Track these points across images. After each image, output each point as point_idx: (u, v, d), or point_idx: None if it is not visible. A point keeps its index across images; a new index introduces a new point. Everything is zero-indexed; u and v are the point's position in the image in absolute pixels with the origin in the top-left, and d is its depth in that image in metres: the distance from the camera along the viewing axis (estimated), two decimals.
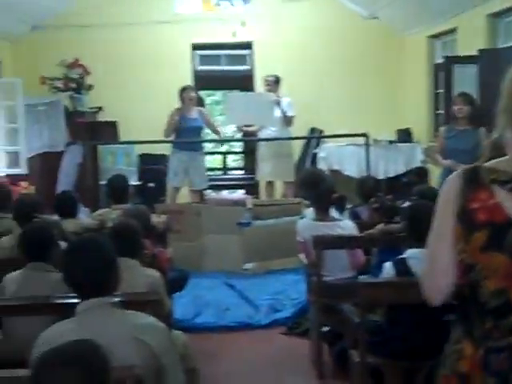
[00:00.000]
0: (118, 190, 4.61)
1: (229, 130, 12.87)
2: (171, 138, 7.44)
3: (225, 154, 12.02)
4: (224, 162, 11.53)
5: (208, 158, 10.52)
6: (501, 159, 1.57)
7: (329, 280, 4.06)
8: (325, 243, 4.06)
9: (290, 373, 4.22)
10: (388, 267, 3.25)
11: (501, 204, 1.51)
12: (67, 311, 2.44)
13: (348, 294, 3.62)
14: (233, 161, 12.41)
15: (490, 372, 1.51)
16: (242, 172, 11.10)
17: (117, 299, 2.30)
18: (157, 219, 4.51)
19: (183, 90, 7.43)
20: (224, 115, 12.81)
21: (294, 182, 7.69)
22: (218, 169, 11.70)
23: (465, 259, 1.54)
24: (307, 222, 4.38)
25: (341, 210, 4.60)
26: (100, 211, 4.66)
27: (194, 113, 7.43)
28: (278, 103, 7.54)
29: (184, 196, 7.85)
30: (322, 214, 4.32)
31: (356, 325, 3.24)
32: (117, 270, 2.34)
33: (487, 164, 1.58)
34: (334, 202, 4.40)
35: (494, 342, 1.52)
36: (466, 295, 1.57)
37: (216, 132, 7.71)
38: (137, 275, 3.09)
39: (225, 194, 10.14)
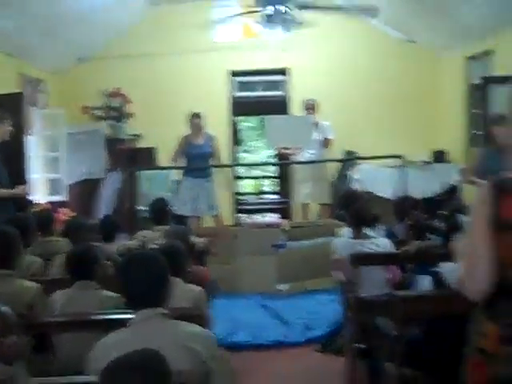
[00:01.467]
0: (159, 212, 4.78)
1: (263, 155, 13.05)
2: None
3: (257, 178, 12.19)
4: (257, 186, 11.68)
5: (241, 182, 10.68)
6: None
7: (365, 296, 4.10)
8: (361, 260, 4.12)
9: None
10: (424, 281, 3.31)
11: None
12: (114, 327, 2.58)
13: (384, 310, 3.68)
14: (266, 185, 12.57)
15: (507, 342, 1.77)
16: (275, 196, 11.24)
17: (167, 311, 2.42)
18: (196, 240, 4.63)
19: (191, 116, 7.60)
20: (259, 140, 13.06)
21: (330, 204, 7.79)
22: (251, 193, 11.86)
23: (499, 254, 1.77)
24: (344, 240, 4.46)
25: (374, 228, 4.65)
26: (142, 232, 4.81)
27: (201, 139, 7.55)
28: (316, 125, 7.66)
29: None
30: (359, 232, 4.40)
31: (393, 338, 3.28)
32: (169, 284, 2.48)
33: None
34: (370, 221, 4.47)
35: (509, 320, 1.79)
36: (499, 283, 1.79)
37: (218, 165, 7.73)
38: (181, 291, 3.20)
39: (257, 217, 10.25)
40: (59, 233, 4.64)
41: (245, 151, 12.64)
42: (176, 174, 8.28)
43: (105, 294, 3.25)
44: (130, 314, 2.65)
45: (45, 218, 4.65)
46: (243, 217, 8.61)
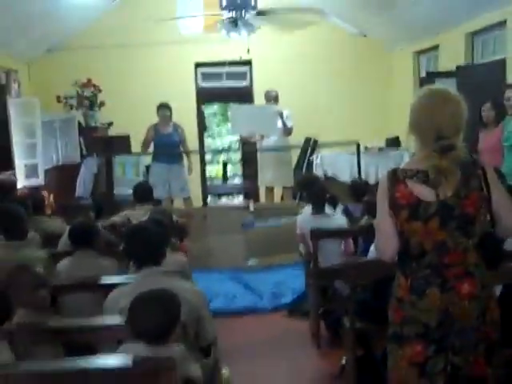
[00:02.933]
0: (142, 192, 5.33)
1: (226, 140, 13.56)
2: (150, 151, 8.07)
3: (224, 163, 12.76)
4: (224, 171, 12.25)
5: (208, 167, 11.21)
6: (410, 160, 2.39)
7: (324, 265, 4.74)
8: (320, 234, 4.75)
9: (292, 346, 4.91)
10: (372, 250, 3.94)
11: (411, 191, 2.33)
12: (111, 288, 3.16)
13: (339, 275, 4.32)
14: (231, 170, 13.14)
15: (413, 292, 2.37)
16: (240, 180, 11.84)
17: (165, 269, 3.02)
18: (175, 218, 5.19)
19: (158, 107, 8.02)
20: (222, 125, 13.55)
21: (292, 187, 8.41)
22: (218, 178, 12.44)
23: (397, 228, 2.38)
24: (305, 217, 5.09)
25: (333, 207, 5.28)
26: (125, 211, 5.35)
27: (169, 128, 8.03)
28: (280, 114, 8.23)
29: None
30: (318, 210, 5.03)
31: (346, 297, 3.92)
32: (165, 247, 3.05)
33: (402, 166, 2.45)
34: (327, 200, 5.10)
35: (416, 274, 2.37)
36: (401, 250, 2.40)
37: (187, 153, 8.19)
38: (170, 259, 3.75)
39: (224, 201, 10.85)
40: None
41: (209, 136, 13.16)
42: (147, 160, 8.77)
43: (101, 262, 3.80)
44: (123, 279, 3.26)
45: (38, 200, 5.15)
46: (211, 200, 9.16)
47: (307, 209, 5.23)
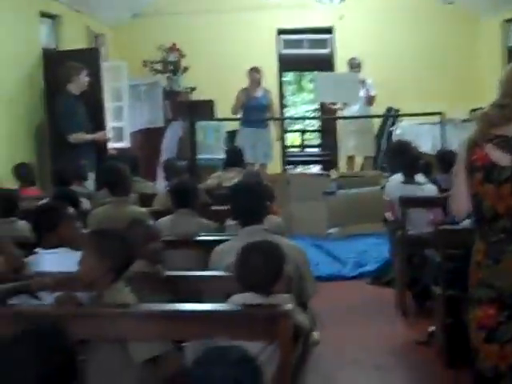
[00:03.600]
0: (234, 155, 5.47)
1: (301, 109, 13.50)
2: (239, 115, 8.20)
3: (303, 131, 12.76)
4: (302, 139, 12.24)
5: (288, 135, 11.23)
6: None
7: (412, 232, 4.75)
8: (409, 202, 4.75)
9: (377, 313, 4.96)
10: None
11: (488, 154, 2.40)
12: (209, 246, 3.28)
13: (429, 245, 4.33)
14: (308, 139, 13.15)
15: (490, 257, 2.42)
16: (317, 149, 11.81)
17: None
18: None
19: (250, 70, 8.16)
20: (297, 95, 13.47)
21: (373, 156, 8.38)
22: (296, 146, 12.44)
23: (471, 190, 2.45)
24: (395, 184, 5.08)
25: (427, 175, 5.22)
26: (216, 173, 5.49)
27: (260, 92, 8.13)
28: (363, 83, 8.18)
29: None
30: (409, 178, 5.01)
31: (437, 263, 3.92)
32: (266, 206, 3.15)
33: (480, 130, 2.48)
34: (420, 168, 5.07)
35: (490, 238, 2.43)
36: (477, 214, 2.48)
37: (274, 118, 8.32)
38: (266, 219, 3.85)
39: (300, 170, 10.86)
40: None
41: (284, 106, 13.20)
42: (230, 126, 8.90)
43: (200, 221, 3.93)
44: (219, 236, 3.38)
45: (133, 161, 5.33)
46: (290, 168, 9.21)
47: (397, 176, 5.21)
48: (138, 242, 2.95)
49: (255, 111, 8.08)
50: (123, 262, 2.54)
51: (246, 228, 3.11)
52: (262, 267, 2.52)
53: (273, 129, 8.34)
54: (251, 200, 3.14)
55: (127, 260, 2.56)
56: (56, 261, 2.60)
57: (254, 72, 8.12)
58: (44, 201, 4.08)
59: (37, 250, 3.19)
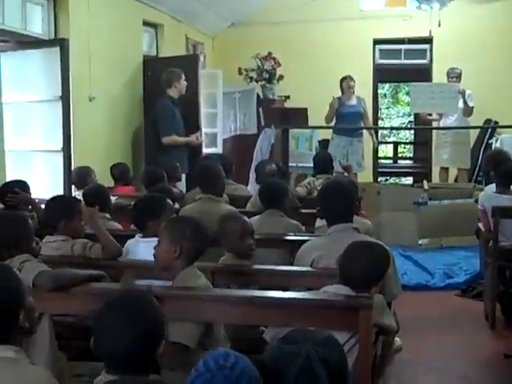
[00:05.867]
0: (323, 162, 5.52)
1: (396, 122, 13.33)
2: (332, 124, 8.23)
3: (396, 144, 12.61)
4: (395, 151, 12.10)
5: (381, 147, 11.14)
6: None
7: (505, 244, 4.61)
8: (503, 212, 4.62)
9: (464, 324, 4.85)
10: None
11: None
12: (294, 245, 3.33)
13: None
14: (402, 152, 12.99)
15: None
16: (410, 161, 11.63)
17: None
18: None
19: (343, 79, 8.20)
20: (392, 107, 13.32)
21: (468, 169, 8.18)
22: (389, 158, 12.31)
23: None
24: (488, 193, 4.96)
25: None
26: (307, 180, 5.54)
27: (353, 100, 8.14)
28: (462, 93, 8.03)
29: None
30: (503, 188, 4.88)
31: None
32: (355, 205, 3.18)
33: None
34: None
35: None
36: None
37: (369, 127, 8.26)
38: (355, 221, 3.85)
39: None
40: None
41: (378, 118, 13.11)
42: (322, 135, 8.93)
43: (288, 221, 3.98)
44: (304, 236, 3.41)
45: (227, 164, 5.43)
46: (382, 179, 9.14)
47: (491, 186, 5.08)
48: (233, 235, 3.05)
49: (349, 120, 8.09)
50: (195, 247, 2.62)
51: (335, 226, 3.14)
52: (369, 266, 2.57)
53: (367, 138, 8.29)
54: (340, 198, 3.17)
55: (200, 246, 2.65)
56: (151, 249, 2.72)
57: (348, 80, 8.15)
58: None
59: (136, 236, 3.34)
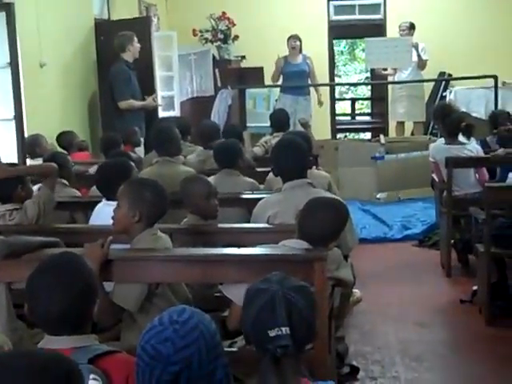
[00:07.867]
0: (279, 120, 5.52)
1: (353, 79, 13.38)
2: (279, 83, 8.26)
3: (353, 100, 12.68)
4: (353, 107, 12.17)
5: (339, 104, 11.18)
6: None
7: (458, 193, 4.74)
8: (455, 163, 4.73)
9: (421, 273, 5.00)
10: (511, 177, 3.90)
11: None
12: (251, 203, 3.36)
13: (475, 203, 4.32)
14: (359, 108, 13.06)
15: None
16: (368, 117, 11.73)
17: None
18: None
19: (288, 38, 8.19)
20: (349, 64, 13.33)
21: (424, 122, 8.29)
22: (347, 114, 12.39)
23: None
24: (438, 145, 5.07)
25: (468, 136, 5.18)
26: (263, 139, 5.56)
27: (299, 59, 8.16)
28: (415, 47, 8.08)
29: None
30: (452, 139, 4.99)
31: (482, 222, 3.92)
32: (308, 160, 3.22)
33: None
34: (462, 129, 5.04)
35: None
36: None
37: (315, 85, 8.28)
38: (312, 176, 3.87)
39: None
40: None
41: (335, 75, 13.11)
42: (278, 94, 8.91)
43: (245, 179, 4.01)
44: (261, 194, 3.45)
45: (184, 126, 5.41)
46: (341, 136, 9.20)
47: (441, 139, 5.19)
48: (196, 197, 3.06)
49: (294, 78, 8.10)
50: (155, 210, 2.63)
51: (290, 182, 3.18)
52: (328, 222, 2.59)
53: (314, 96, 8.30)
54: (292, 155, 3.20)
55: (159, 209, 2.66)
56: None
57: (293, 39, 8.15)
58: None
59: (103, 200, 3.33)
